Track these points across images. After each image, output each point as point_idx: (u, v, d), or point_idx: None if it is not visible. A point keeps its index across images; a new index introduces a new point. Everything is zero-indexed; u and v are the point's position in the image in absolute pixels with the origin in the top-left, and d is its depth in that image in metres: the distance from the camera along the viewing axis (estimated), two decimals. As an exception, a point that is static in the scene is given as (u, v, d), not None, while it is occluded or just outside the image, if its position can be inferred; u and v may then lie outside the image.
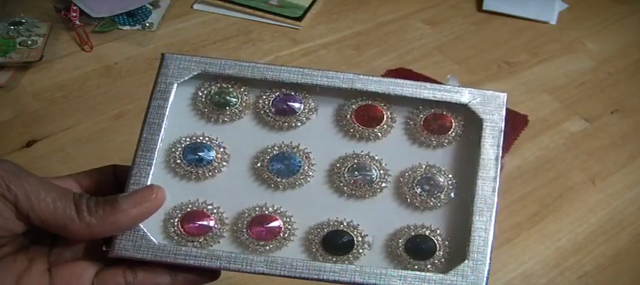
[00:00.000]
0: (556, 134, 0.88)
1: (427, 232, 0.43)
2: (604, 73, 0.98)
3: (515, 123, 0.86)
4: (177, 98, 0.45)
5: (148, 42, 0.99)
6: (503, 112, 0.45)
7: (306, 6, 1.08)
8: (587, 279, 0.71)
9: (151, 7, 1.05)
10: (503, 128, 0.45)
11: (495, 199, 0.43)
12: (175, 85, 0.45)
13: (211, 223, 0.42)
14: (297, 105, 0.45)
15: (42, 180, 0.41)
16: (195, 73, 0.45)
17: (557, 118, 0.90)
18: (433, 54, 0.96)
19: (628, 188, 0.81)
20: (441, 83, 0.52)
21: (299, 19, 1.05)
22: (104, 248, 0.44)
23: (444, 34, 1.04)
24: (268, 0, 1.08)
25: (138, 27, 1.02)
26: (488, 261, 0.42)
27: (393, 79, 0.45)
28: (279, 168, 0.43)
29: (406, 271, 0.41)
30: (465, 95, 0.45)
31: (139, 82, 0.92)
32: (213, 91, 0.45)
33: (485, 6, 1.10)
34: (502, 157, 0.45)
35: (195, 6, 1.07)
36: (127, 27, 1.02)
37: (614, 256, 0.73)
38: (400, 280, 0.41)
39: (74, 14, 0.99)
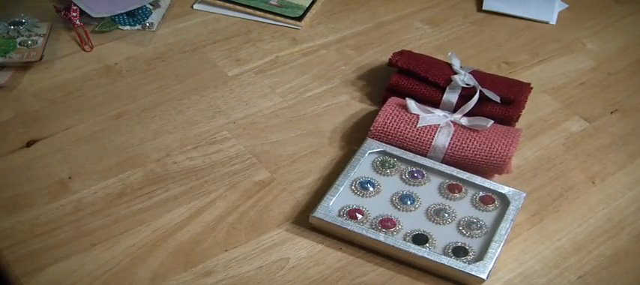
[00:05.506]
0: (556, 134, 0.88)
1: (467, 247, 0.72)
2: (604, 73, 0.98)
3: (521, 90, 0.88)
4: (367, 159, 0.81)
5: (148, 42, 0.99)
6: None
7: (306, 6, 1.08)
8: (587, 279, 0.71)
9: (151, 7, 1.05)
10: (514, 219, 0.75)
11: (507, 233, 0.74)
12: (367, 153, 0.81)
13: (360, 216, 0.75)
14: (420, 178, 0.80)
15: None
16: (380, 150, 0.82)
17: (557, 118, 0.90)
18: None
19: (628, 188, 0.81)
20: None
21: (299, 19, 1.05)
22: None
23: (444, 34, 1.05)
24: (268, 0, 1.08)
25: (138, 27, 1.02)
26: (493, 262, 0.70)
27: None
28: (405, 202, 0.76)
29: (440, 256, 0.71)
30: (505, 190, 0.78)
31: (139, 82, 0.92)
32: (379, 160, 0.81)
33: (485, 6, 1.10)
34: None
35: (196, 6, 1.07)
36: (127, 27, 1.02)
37: (614, 256, 0.73)
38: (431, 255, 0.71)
39: (74, 14, 0.99)
